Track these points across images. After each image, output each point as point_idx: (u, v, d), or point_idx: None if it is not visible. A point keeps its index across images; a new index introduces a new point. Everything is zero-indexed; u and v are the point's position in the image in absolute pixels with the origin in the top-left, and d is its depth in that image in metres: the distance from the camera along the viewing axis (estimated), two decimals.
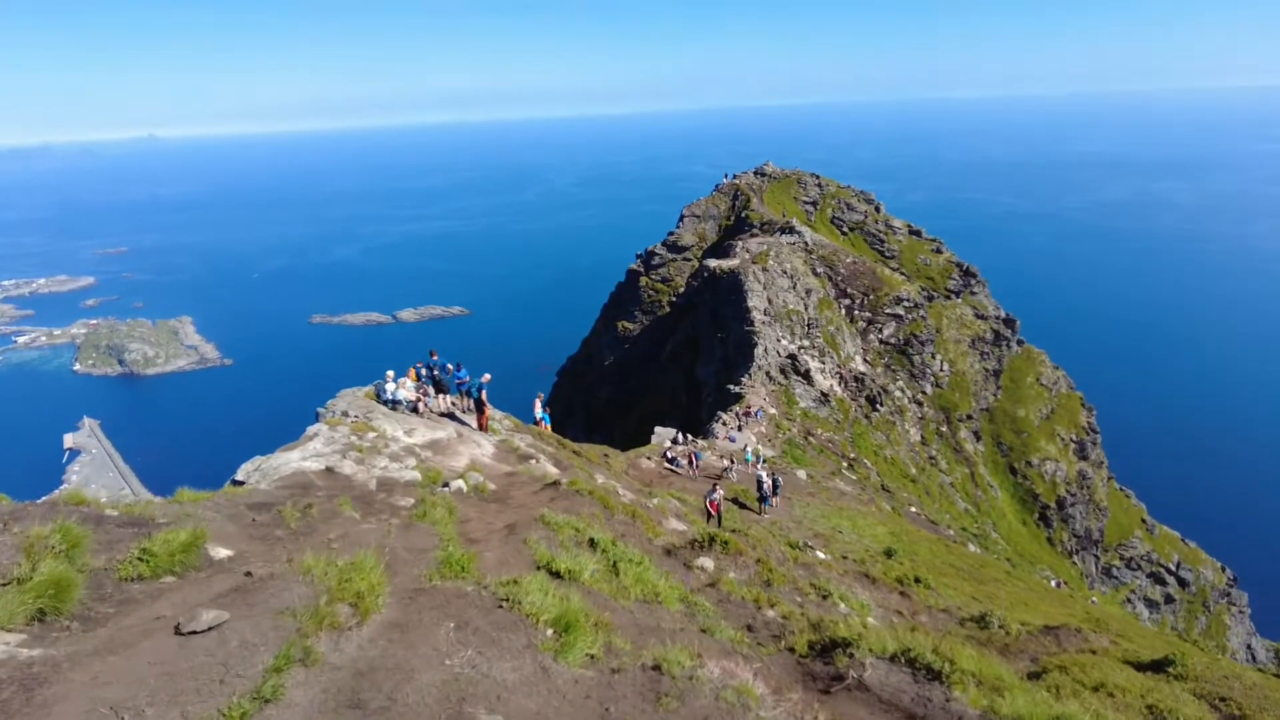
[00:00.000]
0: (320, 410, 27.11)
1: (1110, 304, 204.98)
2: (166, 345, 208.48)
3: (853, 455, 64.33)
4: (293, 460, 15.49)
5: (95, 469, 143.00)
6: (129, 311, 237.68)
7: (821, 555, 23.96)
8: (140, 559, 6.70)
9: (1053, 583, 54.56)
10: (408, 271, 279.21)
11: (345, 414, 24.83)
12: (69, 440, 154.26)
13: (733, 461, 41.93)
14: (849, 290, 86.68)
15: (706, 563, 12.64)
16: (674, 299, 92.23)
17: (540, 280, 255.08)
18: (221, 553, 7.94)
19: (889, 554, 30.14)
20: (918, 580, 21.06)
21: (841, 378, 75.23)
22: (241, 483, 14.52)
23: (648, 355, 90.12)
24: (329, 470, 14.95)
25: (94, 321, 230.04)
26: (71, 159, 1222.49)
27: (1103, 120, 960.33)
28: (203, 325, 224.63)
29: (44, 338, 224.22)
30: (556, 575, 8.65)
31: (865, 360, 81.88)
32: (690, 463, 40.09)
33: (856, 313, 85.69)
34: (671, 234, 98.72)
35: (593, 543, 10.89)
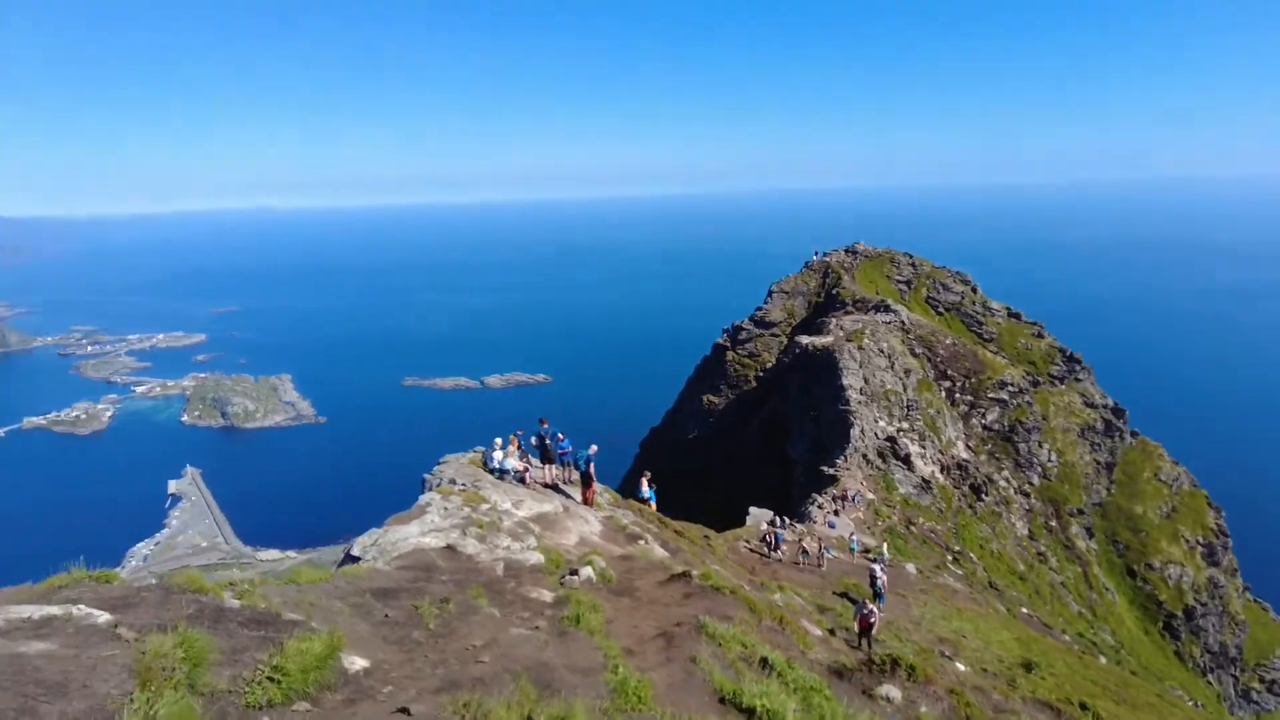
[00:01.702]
0: (427, 476, 26.28)
1: (1226, 396, 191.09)
2: (266, 400, 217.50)
3: (958, 548, 60.09)
4: (411, 535, 14.34)
5: (193, 515, 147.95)
6: (234, 367, 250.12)
7: (961, 668, 21.22)
8: (270, 679, 5.35)
9: (1189, 702, 48.67)
10: (495, 339, 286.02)
11: (453, 481, 23.88)
12: (172, 486, 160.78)
13: (823, 548, 38.94)
14: (949, 372, 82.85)
15: (892, 692, 10.66)
16: (761, 374, 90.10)
17: (622, 351, 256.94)
18: (357, 664, 6.59)
19: (1028, 667, 26.86)
20: (1084, 707, 18.16)
21: (943, 464, 71.15)
22: (358, 559, 13.45)
23: (733, 430, 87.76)
24: (451, 549, 13.70)
25: (203, 375, 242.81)
26: (193, 226, 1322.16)
27: (1187, 205, 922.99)
28: (301, 383, 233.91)
29: (158, 388, 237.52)
30: (750, 713, 6.96)
31: (968, 446, 77.48)
32: (772, 544, 37.46)
33: (958, 396, 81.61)
34: (759, 309, 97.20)
35: (766, 663, 9.15)
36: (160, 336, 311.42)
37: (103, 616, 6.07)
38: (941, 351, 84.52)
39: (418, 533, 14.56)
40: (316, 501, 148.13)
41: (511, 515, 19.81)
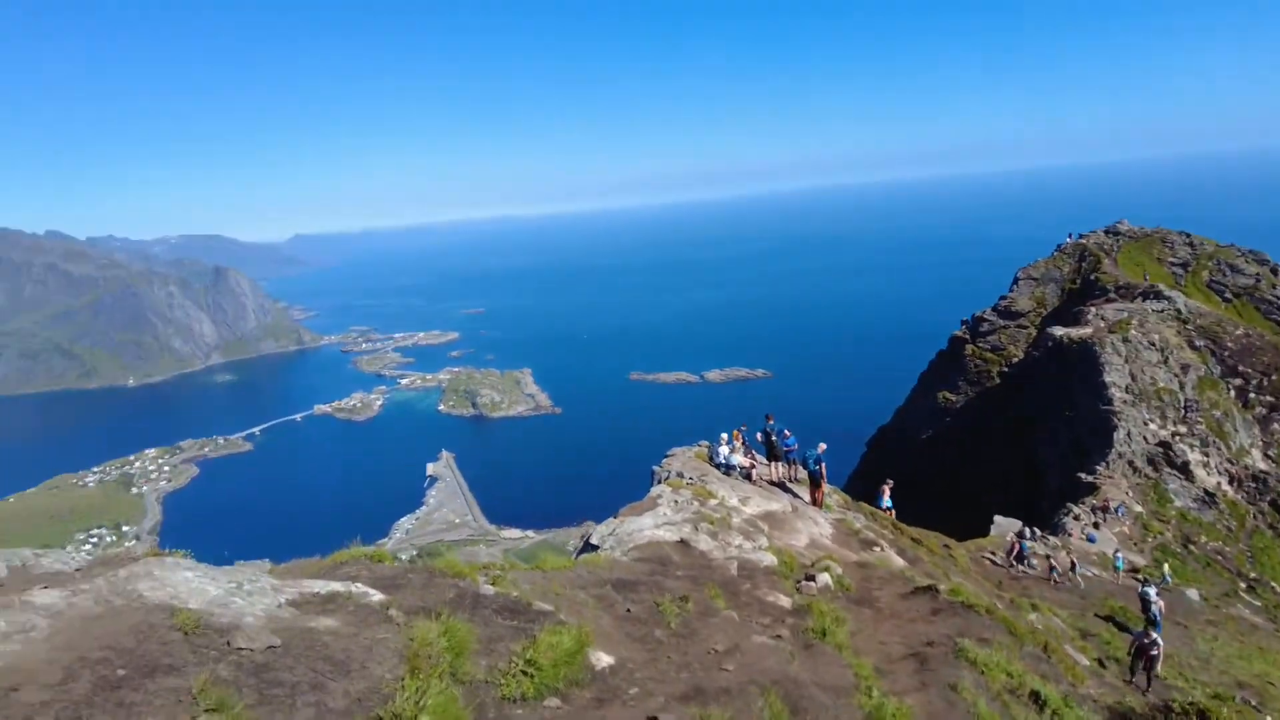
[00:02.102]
0: (656, 469, 26.79)
1: None
2: (510, 392, 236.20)
3: (1254, 575, 51.27)
4: (645, 527, 14.52)
5: (447, 495, 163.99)
6: (483, 362, 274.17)
7: None
8: (524, 672, 5.36)
9: None
10: (715, 334, 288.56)
11: (680, 475, 24.08)
12: (430, 468, 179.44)
13: (1075, 564, 34.47)
14: (1241, 368, 70.74)
15: None
16: (1006, 369, 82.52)
17: (845, 345, 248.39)
18: (603, 660, 6.53)
19: None
20: None
21: (1233, 475, 60.95)
22: (596, 547, 13.85)
23: (972, 431, 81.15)
24: (684, 544, 13.66)
25: (456, 370, 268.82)
26: (446, 236, 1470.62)
27: None
28: (540, 377, 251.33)
29: (419, 381, 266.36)
30: None
31: (1266, 455, 65.78)
32: (1019, 557, 33.74)
33: (1253, 396, 69.47)
34: (1004, 299, 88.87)
35: (1038, 698, 8.03)
36: (421, 335, 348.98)
37: (376, 596, 6.49)
38: (1230, 344, 72.52)
39: (651, 525, 14.70)
40: (552, 486, 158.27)
41: (740, 512, 19.51)
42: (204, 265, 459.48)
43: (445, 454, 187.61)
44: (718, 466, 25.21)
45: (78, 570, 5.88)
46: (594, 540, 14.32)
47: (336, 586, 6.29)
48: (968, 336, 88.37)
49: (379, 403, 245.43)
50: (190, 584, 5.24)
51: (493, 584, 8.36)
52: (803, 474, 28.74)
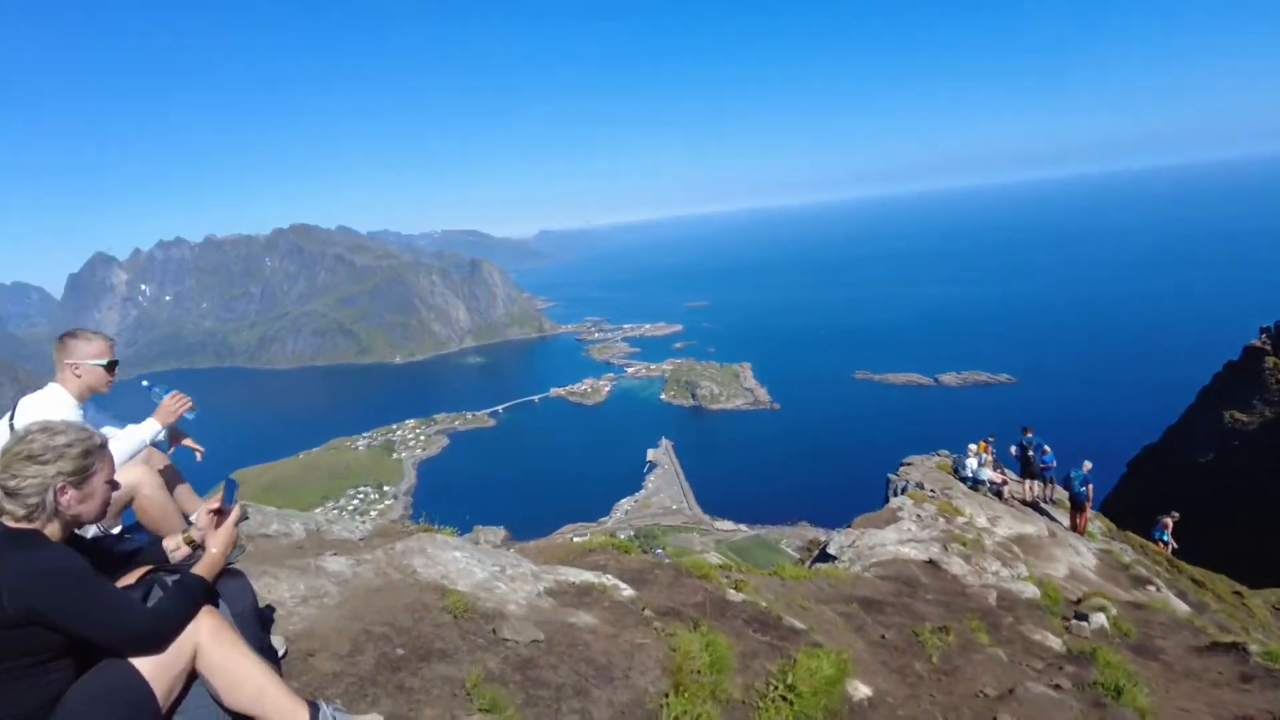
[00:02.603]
0: (892, 477, 25.26)
1: None
2: (729, 385, 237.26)
3: None
4: (888, 542, 13.51)
5: (664, 481, 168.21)
6: (704, 355, 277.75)
7: None
8: (784, 697, 4.88)
9: None
10: (951, 333, 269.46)
11: (920, 486, 22.47)
12: (650, 454, 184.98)
13: None
14: None
15: None
16: None
17: (1102, 352, 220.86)
18: (861, 690, 5.90)
19: None
20: None
21: None
22: (833, 558, 13.12)
23: (1270, 459, 68.91)
24: (934, 565, 12.50)
25: (678, 361, 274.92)
26: (679, 230, 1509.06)
27: None
28: (760, 371, 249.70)
29: (644, 370, 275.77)
30: None
31: None
32: None
33: None
34: None
35: None
36: (647, 326, 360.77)
37: (627, 591, 6.32)
38: None
39: (895, 540, 13.64)
40: (767, 482, 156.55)
41: (991, 534, 17.73)
42: (462, 258, 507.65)
43: (665, 441, 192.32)
44: (963, 480, 23.22)
45: (360, 540, 6.28)
46: (831, 550, 13.55)
47: (589, 577, 6.20)
48: (1268, 347, 75.26)
49: (607, 389, 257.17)
50: (459, 564, 5.36)
51: (737, 589, 7.99)
52: (1059, 494, 25.80)
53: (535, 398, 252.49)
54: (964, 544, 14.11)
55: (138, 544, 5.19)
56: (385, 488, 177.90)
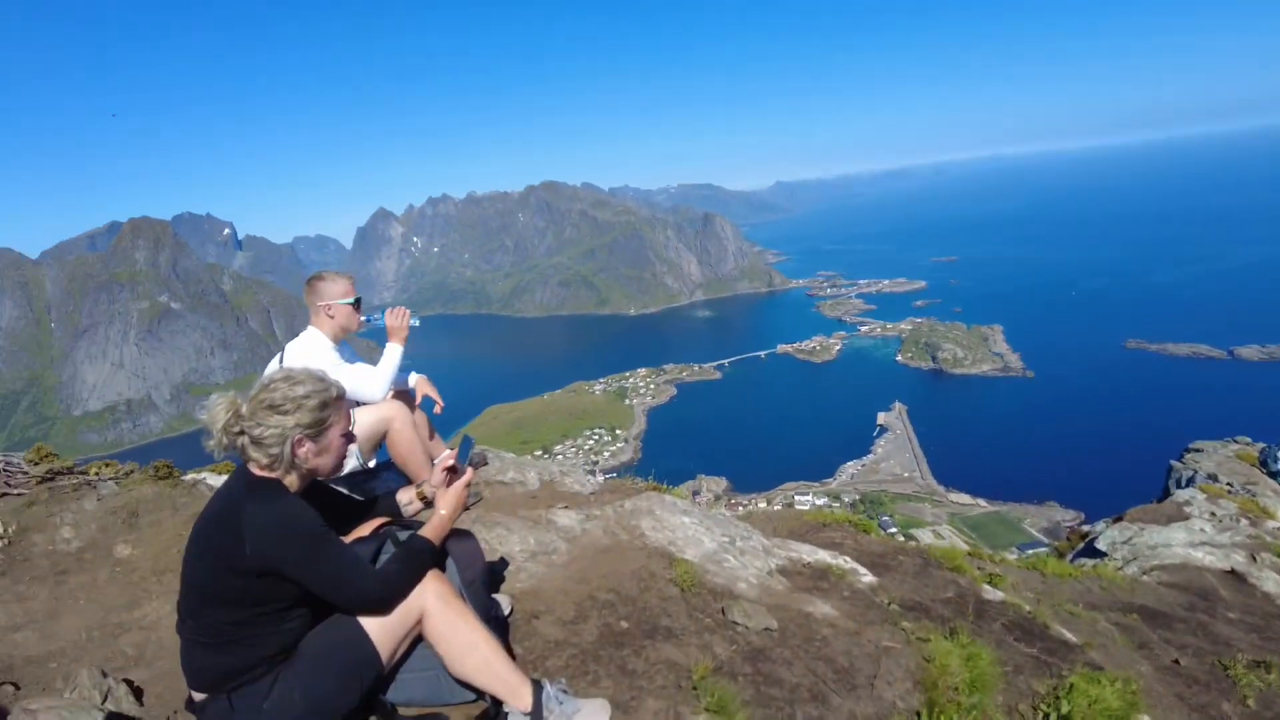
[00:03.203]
0: (1174, 464, 21.77)
1: None
2: (975, 349, 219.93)
3: None
4: (1174, 543, 11.50)
5: (895, 447, 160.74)
6: (948, 315, 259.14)
7: None
8: None
9: None
10: (1254, 302, 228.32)
11: (1214, 478, 19.14)
12: (881, 418, 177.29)
13: None
14: None
15: None
16: None
17: None
18: None
19: None
20: None
21: None
22: (1102, 554, 11.43)
23: None
24: (1236, 577, 10.43)
25: (918, 320, 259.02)
26: (926, 179, 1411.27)
27: None
28: (1011, 335, 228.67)
29: (879, 329, 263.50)
30: None
31: None
32: None
33: None
34: None
35: None
36: (885, 282, 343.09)
37: (867, 578, 5.73)
38: None
39: (1184, 541, 11.58)
40: (1012, 455, 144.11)
41: None
42: (695, 212, 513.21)
43: (898, 405, 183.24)
44: (1273, 475, 19.41)
45: (591, 494, 6.24)
46: (1100, 545, 11.77)
47: (825, 557, 5.68)
48: None
49: (837, 347, 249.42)
50: (687, 530, 5.07)
51: (992, 584, 7.06)
52: None
53: (762, 353, 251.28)
54: (1279, 555, 11.65)
55: (389, 486, 5.49)
56: (618, 431, 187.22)
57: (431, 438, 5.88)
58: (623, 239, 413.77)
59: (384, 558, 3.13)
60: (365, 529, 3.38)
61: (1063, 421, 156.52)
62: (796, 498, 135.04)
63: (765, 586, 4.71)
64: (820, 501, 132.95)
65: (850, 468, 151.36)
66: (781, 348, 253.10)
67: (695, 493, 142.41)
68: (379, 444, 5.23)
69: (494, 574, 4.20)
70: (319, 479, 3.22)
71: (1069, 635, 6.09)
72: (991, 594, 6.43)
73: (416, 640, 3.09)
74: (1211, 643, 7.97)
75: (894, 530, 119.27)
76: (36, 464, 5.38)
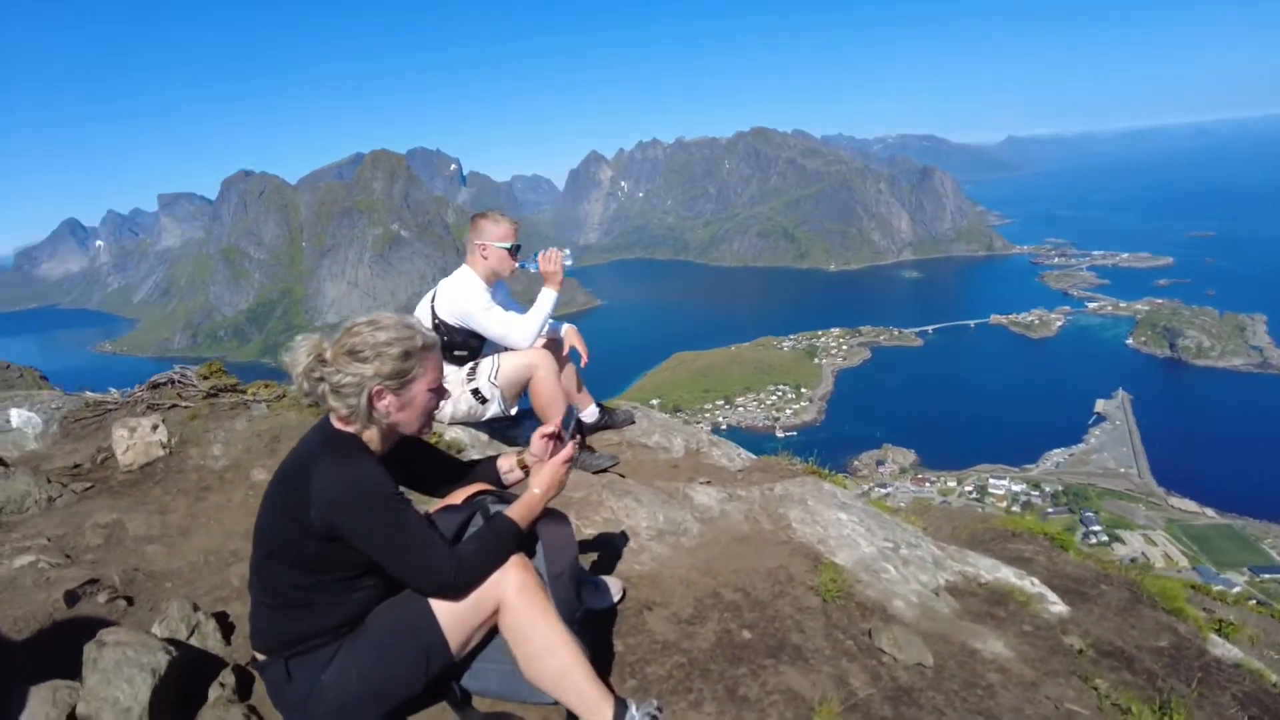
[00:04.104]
0: None
1: None
2: (1227, 339, 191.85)
3: None
4: None
5: (1112, 439, 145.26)
6: (1197, 298, 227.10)
7: None
8: None
9: None
10: None
11: None
12: (1099, 405, 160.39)
13: None
14: None
15: None
16: None
17: None
18: None
19: None
20: None
21: None
22: None
23: None
24: None
25: (1159, 301, 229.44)
26: (1184, 140, 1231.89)
27: None
28: (1276, 326, 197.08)
29: (1110, 307, 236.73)
30: None
31: None
32: None
33: None
34: None
35: None
36: (1124, 255, 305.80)
37: (1056, 606, 4.83)
38: None
39: None
40: (1257, 464, 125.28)
41: None
42: (913, 164, 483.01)
43: (1121, 393, 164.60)
44: None
45: (739, 471, 5.73)
46: None
47: (1009, 576, 4.85)
48: None
49: (1059, 323, 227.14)
50: (843, 528, 4.44)
51: (1221, 633, 5.84)
52: None
53: (971, 322, 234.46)
54: None
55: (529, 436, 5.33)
56: (802, 390, 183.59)
57: (580, 390, 5.69)
58: (830, 190, 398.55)
59: (472, 530, 2.85)
60: (458, 496, 3.08)
61: None
62: (991, 481, 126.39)
63: (927, 608, 4.01)
64: (1018, 488, 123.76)
65: (1056, 455, 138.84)
66: (995, 318, 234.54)
67: (880, 463, 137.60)
68: (522, 391, 5.09)
69: (614, 551, 3.86)
70: (408, 435, 2.90)
71: None
72: (1220, 648, 5.27)
73: (493, 631, 2.79)
74: None
75: (1097, 529, 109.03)
76: (206, 379, 5.76)
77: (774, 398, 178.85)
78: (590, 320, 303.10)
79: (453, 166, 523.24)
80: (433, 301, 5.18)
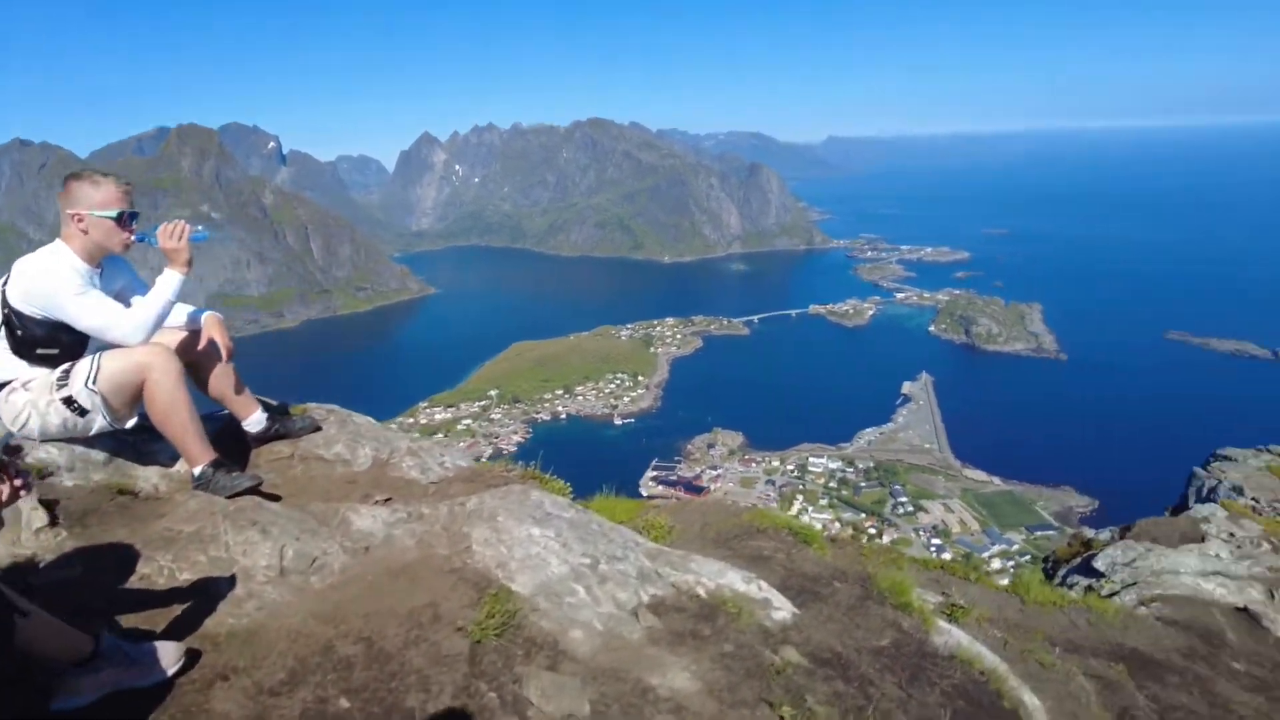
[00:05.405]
0: (1198, 472, 20.23)
1: None
2: (1011, 326, 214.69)
3: None
4: (1184, 570, 10.16)
5: (916, 418, 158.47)
6: (988, 289, 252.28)
7: None
8: None
9: None
10: None
11: (1239, 492, 17.68)
12: (905, 387, 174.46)
13: None
14: None
15: None
16: None
17: None
18: None
19: None
20: None
21: None
22: (1100, 574, 10.17)
23: None
24: (1249, 617, 9.13)
25: (957, 292, 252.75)
26: (991, 146, 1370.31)
27: None
28: (1050, 315, 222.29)
29: (915, 297, 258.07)
30: None
31: None
32: None
33: None
34: None
35: None
36: (928, 250, 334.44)
37: (779, 613, 4.57)
38: None
39: (1195, 569, 10.22)
40: (1033, 437, 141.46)
41: None
42: (742, 161, 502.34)
43: (925, 376, 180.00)
44: None
45: (432, 484, 5.02)
46: (1099, 564, 10.48)
47: (734, 581, 4.51)
48: None
49: (871, 312, 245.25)
50: (532, 546, 3.85)
51: (952, 616, 5.90)
52: None
53: (793, 312, 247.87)
54: None
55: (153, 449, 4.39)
56: (639, 378, 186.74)
57: (239, 393, 4.76)
58: (665, 184, 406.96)
59: None
60: None
61: (1089, 408, 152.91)
62: (811, 459, 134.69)
63: (613, 635, 3.52)
64: (834, 465, 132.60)
65: (869, 434, 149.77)
66: (814, 308, 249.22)
67: (711, 446, 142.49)
68: (136, 398, 4.10)
69: (207, 602, 3.04)
70: None
71: (1029, 705, 4.92)
72: (943, 638, 5.26)
73: None
74: (1209, 704, 6.77)
75: (904, 500, 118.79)
76: None
77: (612, 386, 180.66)
78: (425, 309, 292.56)
79: (271, 144, 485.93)
80: (4, 286, 4.06)
